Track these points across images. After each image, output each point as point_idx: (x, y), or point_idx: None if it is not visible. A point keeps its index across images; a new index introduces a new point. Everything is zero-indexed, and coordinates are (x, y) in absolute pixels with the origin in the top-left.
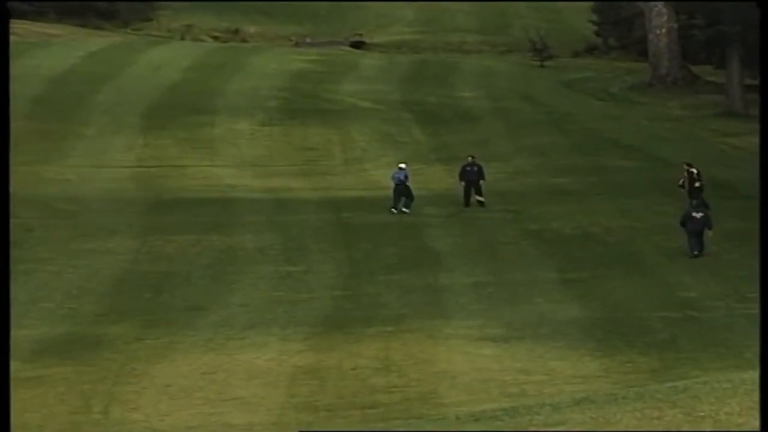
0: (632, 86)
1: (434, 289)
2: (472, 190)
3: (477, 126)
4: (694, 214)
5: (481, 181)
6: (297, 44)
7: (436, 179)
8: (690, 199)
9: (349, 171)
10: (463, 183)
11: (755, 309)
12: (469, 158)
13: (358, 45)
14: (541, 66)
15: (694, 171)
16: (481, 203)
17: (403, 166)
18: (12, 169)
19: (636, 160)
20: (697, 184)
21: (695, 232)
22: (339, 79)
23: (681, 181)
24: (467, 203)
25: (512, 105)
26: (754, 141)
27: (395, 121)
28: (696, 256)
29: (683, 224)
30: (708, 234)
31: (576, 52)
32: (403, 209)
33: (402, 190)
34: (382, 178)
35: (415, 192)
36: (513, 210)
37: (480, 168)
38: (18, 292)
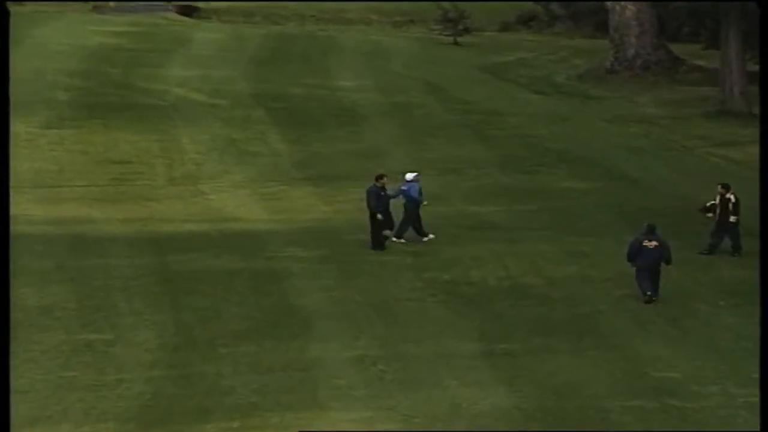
0: (586, 73)
1: (301, 367)
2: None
3: (362, 130)
4: (645, 243)
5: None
6: (97, 8)
7: (304, 206)
8: (715, 237)
9: (178, 194)
10: (379, 216)
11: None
12: (382, 180)
13: (188, 11)
14: (456, 43)
15: (732, 198)
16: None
17: (414, 176)
18: None
19: (591, 179)
20: (732, 219)
21: (649, 268)
22: (161, 61)
23: (709, 204)
24: (380, 244)
25: (413, 100)
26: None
27: (243, 123)
28: (649, 300)
29: (632, 258)
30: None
31: (505, 24)
32: (393, 237)
33: (412, 211)
34: (225, 203)
35: (274, 225)
36: (414, 251)
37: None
38: None
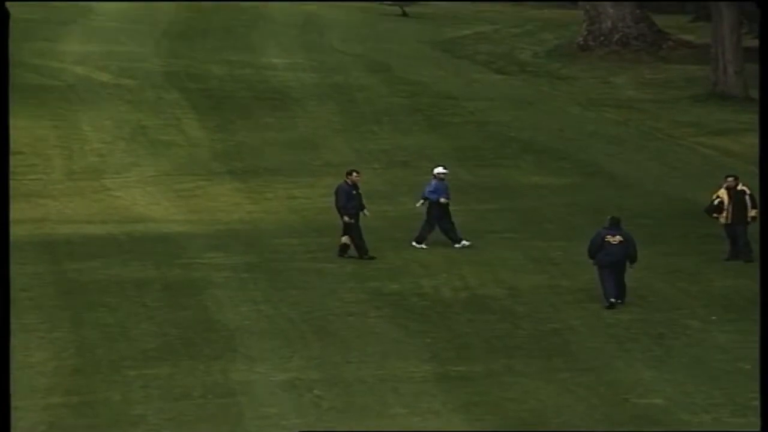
0: (555, 50)
1: (223, 392)
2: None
3: (295, 116)
4: (608, 237)
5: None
6: None
7: (226, 205)
8: (729, 237)
9: (78, 191)
10: (347, 219)
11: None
12: (353, 175)
13: None
14: (404, 14)
15: (747, 189)
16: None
17: (442, 171)
18: None
19: (561, 174)
20: (754, 213)
21: (612, 266)
22: (58, 35)
23: (717, 201)
24: (346, 251)
25: (355, 81)
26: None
27: (155, 107)
28: (611, 306)
29: (593, 255)
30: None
31: None
32: (458, 244)
33: (444, 213)
34: (134, 201)
35: (192, 227)
36: (356, 258)
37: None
38: None
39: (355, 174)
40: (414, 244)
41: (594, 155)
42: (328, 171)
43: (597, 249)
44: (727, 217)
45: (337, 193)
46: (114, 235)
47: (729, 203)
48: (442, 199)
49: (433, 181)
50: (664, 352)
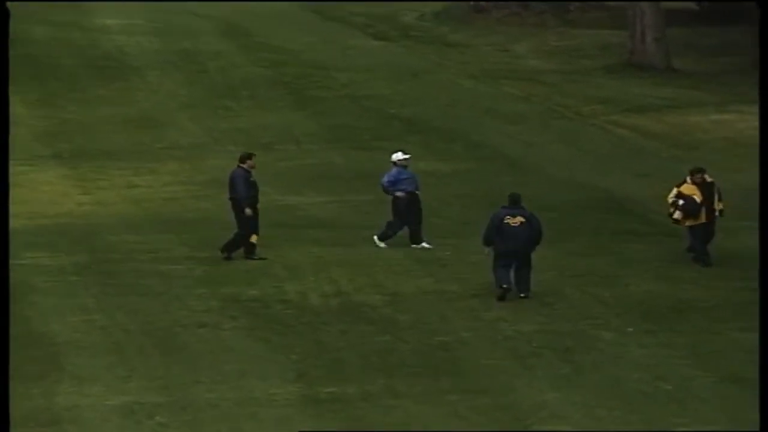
0: (444, 12)
1: (48, 419)
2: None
3: (134, 88)
4: (507, 219)
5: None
6: None
7: (51, 195)
8: (700, 237)
9: None
10: (249, 211)
11: None
12: (250, 160)
13: None
14: None
15: (713, 181)
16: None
17: (401, 157)
18: None
19: (452, 158)
20: (720, 206)
21: (512, 255)
22: None
23: (699, 198)
24: (252, 251)
25: (206, 47)
26: (690, 121)
27: None
28: (504, 292)
29: (489, 240)
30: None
31: None
32: (424, 244)
33: (413, 204)
34: None
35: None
36: (206, 259)
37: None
38: None
39: (251, 160)
40: (425, 245)
41: (490, 136)
42: (174, 154)
43: (495, 231)
44: (703, 216)
45: (233, 180)
46: None
47: (703, 199)
48: (399, 193)
49: (394, 169)
50: (572, 370)
